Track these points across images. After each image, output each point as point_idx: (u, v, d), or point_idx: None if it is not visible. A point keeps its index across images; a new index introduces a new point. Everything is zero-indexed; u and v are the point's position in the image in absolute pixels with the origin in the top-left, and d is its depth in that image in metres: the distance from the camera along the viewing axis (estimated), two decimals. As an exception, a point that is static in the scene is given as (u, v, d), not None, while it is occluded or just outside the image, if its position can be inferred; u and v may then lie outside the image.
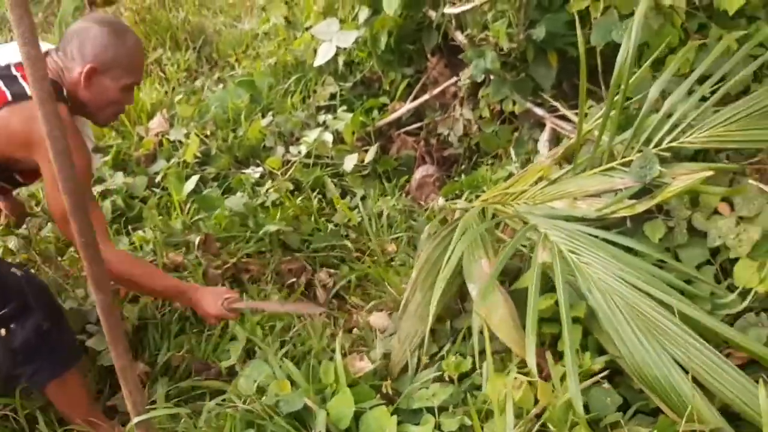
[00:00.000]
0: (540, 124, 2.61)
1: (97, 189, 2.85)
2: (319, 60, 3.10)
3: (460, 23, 2.59)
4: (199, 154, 3.06)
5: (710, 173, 1.71)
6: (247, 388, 1.69)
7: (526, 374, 1.53)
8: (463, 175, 2.76)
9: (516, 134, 2.70)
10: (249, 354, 2.01)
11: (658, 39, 2.27)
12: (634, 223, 1.90)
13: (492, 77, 2.43)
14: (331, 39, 3.03)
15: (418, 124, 3.08)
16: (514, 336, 1.66)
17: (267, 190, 2.82)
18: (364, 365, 1.76)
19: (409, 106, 3.05)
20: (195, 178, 2.78)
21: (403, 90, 3.18)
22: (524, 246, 1.97)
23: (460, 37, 2.59)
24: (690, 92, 1.95)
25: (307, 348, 1.99)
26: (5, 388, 1.75)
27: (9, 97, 1.65)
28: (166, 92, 3.86)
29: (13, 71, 1.72)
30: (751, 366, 1.56)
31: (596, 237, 1.79)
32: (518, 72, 2.47)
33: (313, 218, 2.67)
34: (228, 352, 1.99)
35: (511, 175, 2.54)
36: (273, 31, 4.09)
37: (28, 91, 1.64)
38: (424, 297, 1.82)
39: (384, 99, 3.25)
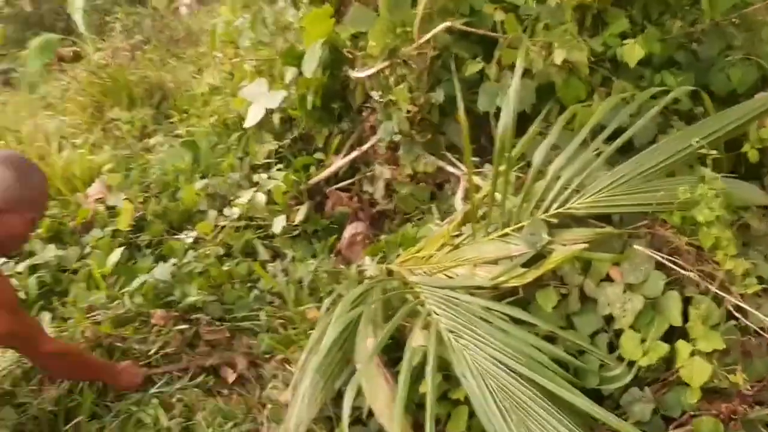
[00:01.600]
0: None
1: (26, 263, 2.85)
2: (250, 121, 3.10)
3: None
4: (133, 221, 3.05)
5: (584, 245, 1.67)
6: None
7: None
8: (387, 234, 2.73)
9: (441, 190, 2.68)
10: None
11: (567, 92, 2.26)
12: (528, 291, 1.86)
13: (403, 138, 2.41)
14: (260, 100, 3.03)
15: (352, 180, 3.06)
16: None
17: (196, 257, 2.80)
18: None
19: (340, 162, 3.04)
20: (119, 251, 2.76)
21: (339, 145, 3.17)
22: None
23: (375, 97, 2.58)
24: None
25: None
26: None
27: None
28: (115, 155, 3.86)
29: None
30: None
31: (489, 309, 1.75)
32: (433, 131, 2.44)
33: (237, 285, 2.63)
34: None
35: (433, 233, 2.52)
36: (217, 88, 4.10)
37: None
38: (314, 380, 1.77)
39: (320, 155, 3.24)
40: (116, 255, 2.73)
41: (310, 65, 2.67)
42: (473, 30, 2.12)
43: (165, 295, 2.62)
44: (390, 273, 2.30)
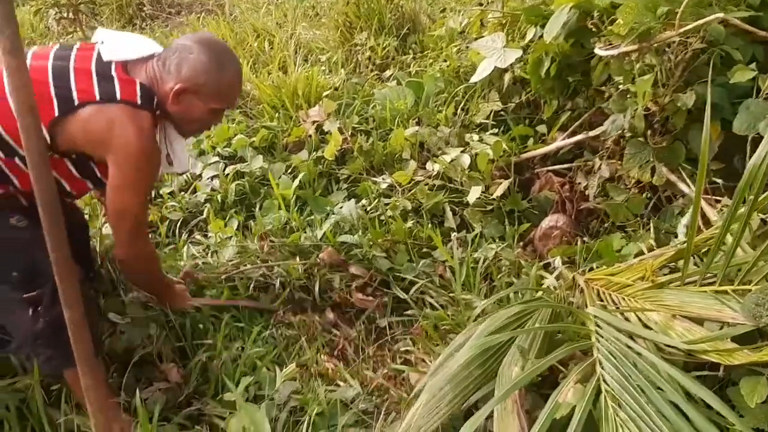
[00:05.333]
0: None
1: (236, 166, 2.98)
2: (477, 76, 2.87)
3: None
4: (338, 152, 3.03)
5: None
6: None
7: None
8: (591, 237, 2.39)
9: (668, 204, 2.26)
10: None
11: None
12: (731, 372, 1.47)
13: (632, 138, 2.02)
14: (492, 56, 2.77)
15: (569, 165, 2.72)
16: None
17: (385, 205, 2.70)
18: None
19: (561, 142, 2.71)
20: (298, 179, 2.77)
21: (565, 122, 2.83)
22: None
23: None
24: None
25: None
26: (27, 365, 1.85)
27: (97, 97, 1.69)
28: (346, 80, 3.85)
29: (112, 71, 1.74)
30: None
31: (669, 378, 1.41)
32: (674, 138, 2.02)
33: (412, 247, 2.49)
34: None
35: (641, 253, 2.14)
36: (461, 33, 3.87)
37: (118, 94, 1.70)
38: (443, 390, 1.57)
39: (542, 128, 2.92)
40: (295, 182, 2.75)
41: (553, 29, 2.35)
42: (751, 29, 1.65)
43: (341, 233, 2.58)
44: (574, 285, 2.00)
